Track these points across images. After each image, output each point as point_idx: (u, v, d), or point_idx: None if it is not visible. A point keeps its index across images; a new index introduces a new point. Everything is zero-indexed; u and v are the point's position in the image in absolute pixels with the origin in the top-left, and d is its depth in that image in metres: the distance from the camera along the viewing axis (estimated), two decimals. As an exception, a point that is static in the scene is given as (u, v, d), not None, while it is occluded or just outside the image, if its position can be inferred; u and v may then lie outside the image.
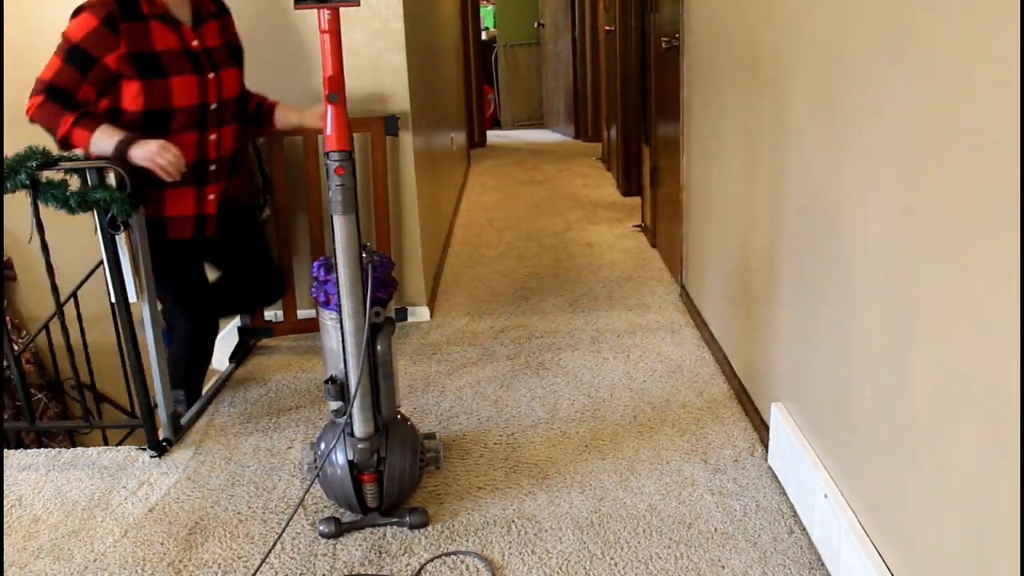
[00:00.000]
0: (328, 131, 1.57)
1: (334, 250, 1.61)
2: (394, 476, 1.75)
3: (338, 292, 1.63)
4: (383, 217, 2.87)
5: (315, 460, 1.78)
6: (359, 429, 1.72)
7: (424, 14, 3.43)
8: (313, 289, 1.75)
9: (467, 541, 1.76)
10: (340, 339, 1.68)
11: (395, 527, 1.80)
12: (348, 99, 2.93)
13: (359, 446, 1.72)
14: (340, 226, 1.58)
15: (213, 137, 2.20)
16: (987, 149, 1.04)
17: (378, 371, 1.69)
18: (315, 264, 1.76)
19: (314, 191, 2.96)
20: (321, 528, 1.77)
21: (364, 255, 1.63)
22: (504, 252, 4.02)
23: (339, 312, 1.65)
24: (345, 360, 1.69)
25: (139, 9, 2.03)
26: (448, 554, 1.72)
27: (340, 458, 1.73)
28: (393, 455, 1.74)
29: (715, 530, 1.77)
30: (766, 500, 1.86)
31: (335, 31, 1.57)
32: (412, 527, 1.79)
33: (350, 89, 2.87)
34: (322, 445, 1.78)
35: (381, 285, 1.69)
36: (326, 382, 1.73)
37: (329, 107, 1.58)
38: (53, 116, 2.03)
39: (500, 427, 2.26)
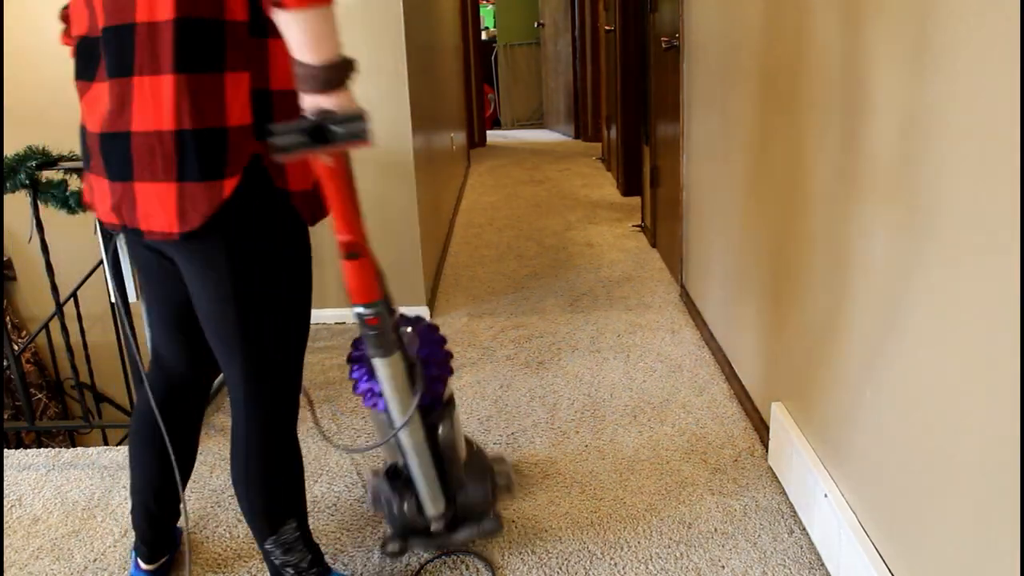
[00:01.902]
0: (351, 286, 1.29)
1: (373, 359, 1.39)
2: (468, 516, 1.62)
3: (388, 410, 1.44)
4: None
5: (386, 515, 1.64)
6: (430, 509, 1.58)
7: (424, 14, 3.43)
8: (363, 397, 1.50)
9: (467, 542, 1.76)
10: (397, 444, 1.50)
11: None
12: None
13: (433, 526, 1.59)
14: (382, 367, 1.36)
15: None
16: (988, 148, 1.04)
17: (443, 456, 1.53)
18: (355, 370, 1.50)
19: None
20: (388, 548, 1.62)
21: (403, 342, 1.40)
22: (504, 252, 4.02)
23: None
24: (406, 463, 1.52)
25: None
26: (448, 554, 1.72)
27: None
28: (464, 496, 1.60)
29: (715, 530, 1.77)
30: (766, 500, 1.86)
31: (342, 174, 1.20)
32: (484, 534, 1.66)
33: (350, 89, 2.88)
34: (390, 504, 1.60)
35: (436, 381, 1.47)
36: (387, 471, 1.60)
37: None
38: None
39: (500, 427, 2.26)
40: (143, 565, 1.63)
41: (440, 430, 1.52)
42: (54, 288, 2.18)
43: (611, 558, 1.69)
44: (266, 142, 1.14)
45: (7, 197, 2.00)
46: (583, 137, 7.64)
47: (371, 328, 1.30)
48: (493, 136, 8.26)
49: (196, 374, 1.51)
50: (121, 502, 1.96)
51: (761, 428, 2.11)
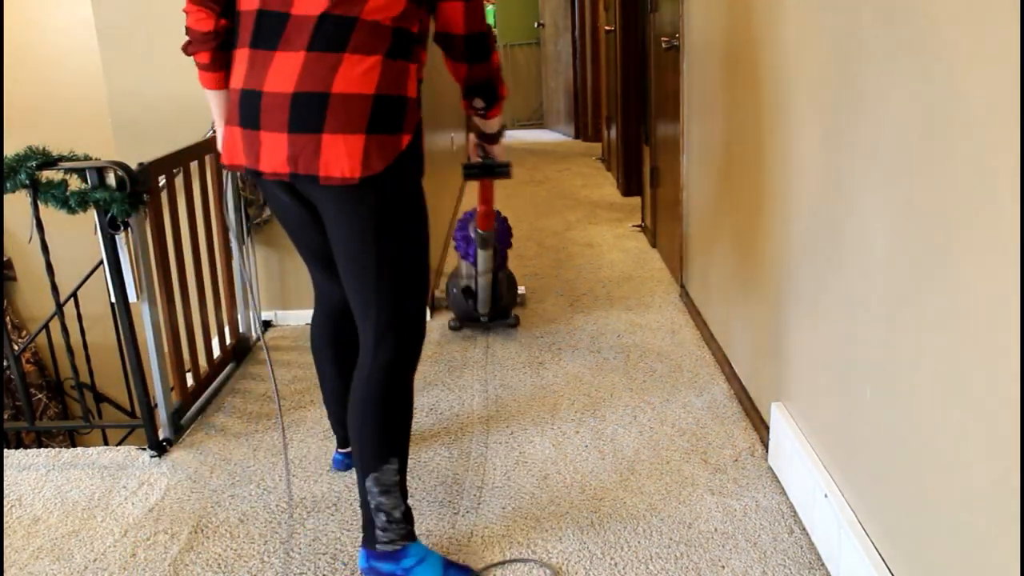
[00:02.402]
0: (482, 224, 2.67)
1: (474, 233, 2.75)
2: (500, 315, 2.98)
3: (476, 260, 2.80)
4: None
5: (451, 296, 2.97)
6: (482, 308, 2.89)
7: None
8: (458, 247, 2.88)
9: (468, 542, 1.76)
10: (475, 276, 2.84)
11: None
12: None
13: (481, 317, 2.94)
14: (482, 255, 2.76)
15: None
16: (987, 148, 1.04)
17: (496, 284, 2.88)
18: (458, 232, 2.88)
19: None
20: (451, 324, 3.01)
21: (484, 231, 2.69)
22: (504, 252, 4.01)
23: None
24: (477, 285, 2.84)
25: None
26: (512, 562, 1.72)
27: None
28: (500, 303, 2.93)
29: (715, 530, 1.77)
30: (766, 500, 1.86)
31: (491, 187, 2.57)
32: (510, 326, 2.99)
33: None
34: (460, 303, 2.94)
35: (503, 245, 2.91)
36: (463, 288, 2.88)
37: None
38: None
39: (500, 427, 2.26)
40: (340, 449, 2.08)
41: (500, 273, 2.89)
42: (54, 288, 2.18)
43: (611, 558, 1.69)
44: (462, 169, 2.27)
45: (7, 197, 2.00)
46: (583, 137, 7.63)
47: (483, 239, 2.70)
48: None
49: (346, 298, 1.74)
50: (121, 502, 1.96)
51: (761, 428, 2.11)
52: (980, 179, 1.06)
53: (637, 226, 4.44)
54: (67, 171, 2.00)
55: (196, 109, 2.86)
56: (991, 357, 1.05)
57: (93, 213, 2.01)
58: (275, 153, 1.48)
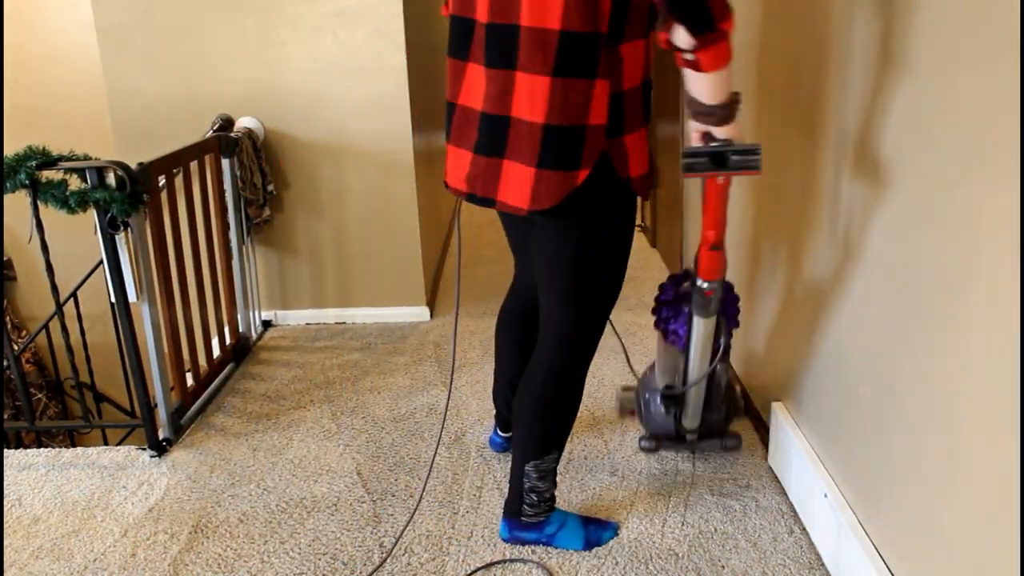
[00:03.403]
0: (705, 267, 1.61)
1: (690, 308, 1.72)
2: (711, 433, 2.01)
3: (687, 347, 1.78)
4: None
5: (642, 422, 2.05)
6: (689, 424, 1.95)
7: (424, 14, 3.42)
8: (668, 330, 1.83)
9: (468, 542, 1.76)
10: (682, 369, 1.85)
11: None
12: (344, 100, 2.93)
13: (688, 436, 1.99)
14: (700, 324, 1.70)
15: None
16: (987, 148, 1.04)
17: (712, 389, 1.90)
18: (664, 311, 1.84)
19: (333, 194, 2.97)
20: (643, 444, 2.02)
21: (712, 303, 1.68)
22: (504, 252, 4.01)
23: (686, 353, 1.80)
24: (683, 381, 1.86)
25: None
26: (504, 562, 1.72)
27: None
28: (713, 418, 1.96)
29: (715, 530, 1.77)
30: (766, 500, 1.86)
31: (725, 190, 1.48)
32: (727, 449, 2.03)
33: (349, 90, 2.88)
34: (650, 411, 2.00)
35: (730, 324, 1.83)
36: (664, 390, 1.94)
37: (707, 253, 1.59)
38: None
39: (500, 427, 2.26)
40: (500, 433, 2.10)
41: (717, 369, 1.87)
42: (54, 288, 2.18)
43: (611, 558, 1.69)
44: (679, 161, 1.47)
45: (7, 197, 1.99)
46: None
47: (705, 298, 1.64)
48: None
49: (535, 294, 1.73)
50: (121, 502, 1.96)
51: (761, 428, 2.11)
52: (981, 177, 1.06)
53: (637, 226, 4.44)
54: (67, 171, 1.99)
55: (196, 109, 2.87)
56: (991, 356, 1.05)
57: (93, 213, 2.01)
58: (458, 168, 1.48)
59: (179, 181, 2.43)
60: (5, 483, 2.07)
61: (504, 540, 1.76)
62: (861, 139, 1.42)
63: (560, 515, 1.75)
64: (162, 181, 2.32)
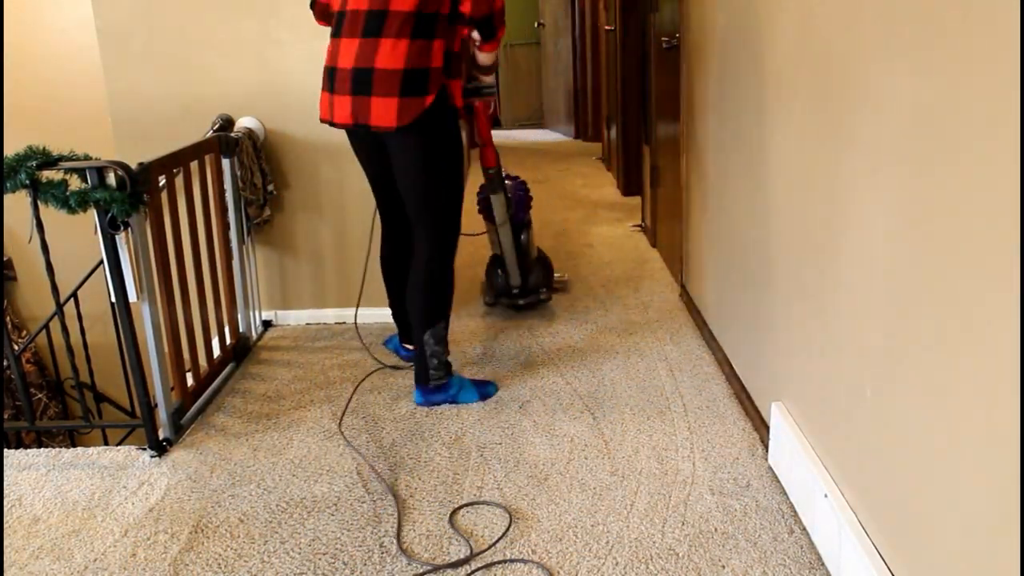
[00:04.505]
0: (488, 159, 2.77)
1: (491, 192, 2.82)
2: (532, 291, 3.08)
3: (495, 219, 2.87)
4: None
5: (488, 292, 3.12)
6: (513, 280, 3.03)
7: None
8: (483, 210, 2.91)
9: (467, 542, 1.76)
10: (498, 239, 2.94)
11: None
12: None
13: (514, 291, 3.06)
14: (496, 199, 2.82)
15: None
16: (988, 147, 1.04)
17: (523, 251, 2.98)
18: (480, 194, 2.89)
19: (333, 194, 2.97)
20: (485, 299, 3.10)
21: (508, 182, 2.90)
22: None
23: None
24: (501, 248, 2.95)
25: None
26: (473, 504, 1.72)
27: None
28: (531, 278, 3.07)
29: (715, 530, 1.77)
30: (766, 500, 1.86)
31: (486, 111, 2.65)
32: (542, 301, 3.11)
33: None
34: (491, 277, 3.10)
35: (521, 209, 2.96)
36: (491, 259, 3.08)
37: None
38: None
39: (500, 426, 2.26)
40: (405, 346, 2.72)
41: (522, 236, 2.98)
42: (54, 288, 2.18)
43: (611, 558, 1.69)
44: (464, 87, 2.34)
45: (7, 197, 1.99)
46: (583, 137, 7.63)
47: (490, 179, 2.79)
48: (493, 136, 8.25)
49: (403, 221, 2.43)
50: (121, 502, 1.96)
51: (761, 428, 2.11)
52: (981, 177, 1.06)
53: (637, 226, 4.44)
54: (67, 171, 1.99)
55: (196, 109, 2.87)
56: (991, 356, 1.05)
57: (93, 213, 2.01)
58: (343, 109, 2.15)
59: (179, 181, 2.43)
60: (5, 483, 2.07)
61: (419, 404, 2.37)
62: (861, 137, 1.43)
63: (458, 379, 2.42)
64: (162, 181, 2.32)
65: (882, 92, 1.33)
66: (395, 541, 1.77)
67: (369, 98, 2.08)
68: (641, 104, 4.43)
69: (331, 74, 2.17)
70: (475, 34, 2.23)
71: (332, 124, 2.21)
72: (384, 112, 2.07)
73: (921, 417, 1.25)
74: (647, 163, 4.20)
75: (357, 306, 2.87)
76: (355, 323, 2.96)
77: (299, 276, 3.10)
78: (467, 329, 3.02)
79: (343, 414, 2.37)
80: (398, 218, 2.46)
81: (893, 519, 1.37)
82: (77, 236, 3.01)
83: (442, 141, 2.18)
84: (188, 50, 2.84)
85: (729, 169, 2.39)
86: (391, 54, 2.05)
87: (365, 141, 2.31)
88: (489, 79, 2.47)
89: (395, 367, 2.69)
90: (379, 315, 3.10)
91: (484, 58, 2.36)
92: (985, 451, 1.07)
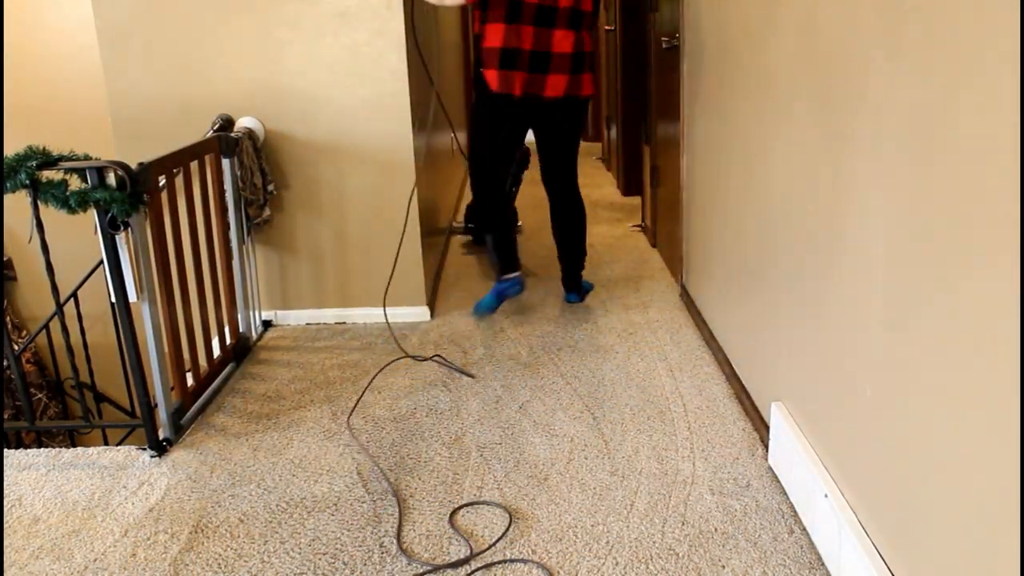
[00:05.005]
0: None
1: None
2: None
3: None
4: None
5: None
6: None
7: (424, 14, 3.42)
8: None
9: (467, 542, 1.76)
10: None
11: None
12: (345, 100, 2.92)
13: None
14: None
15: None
16: (987, 147, 1.04)
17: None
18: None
19: (333, 194, 2.96)
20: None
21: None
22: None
23: None
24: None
25: None
26: (474, 505, 1.72)
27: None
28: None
29: (715, 530, 1.77)
30: (766, 500, 1.86)
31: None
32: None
33: (349, 90, 2.88)
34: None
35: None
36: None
37: None
38: None
39: (500, 426, 2.26)
40: (510, 274, 3.08)
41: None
42: (54, 288, 2.18)
43: (611, 558, 1.69)
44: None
45: (7, 197, 2.00)
46: (583, 137, 7.63)
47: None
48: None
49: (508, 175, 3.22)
50: (121, 502, 1.96)
51: (761, 428, 2.11)
52: (981, 177, 1.06)
53: (637, 226, 4.44)
54: (67, 171, 1.99)
55: (196, 109, 2.87)
56: (992, 356, 1.05)
57: (93, 213, 2.01)
58: (520, 83, 2.78)
59: (179, 181, 2.43)
60: (5, 483, 2.07)
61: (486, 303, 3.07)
62: (861, 137, 1.43)
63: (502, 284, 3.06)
64: (162, 181, 2.32)
65: (882, 92, 1.33)
66: (395, 541, 1.77)
67: (546, 76, 2.79)
68: (641, 104, 4.43)
69: (509, 54, 2.74)
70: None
71: (544, 99, 2.83)
72: (558, 86, 2.82)
73: (921, 417, 1.25)
74: (647, 163, 4.20)
75: (385, 295, 3.03)
76: (385, 319, 3.04)
77: (299, 276, 3.10)
78: (467, 329, 3.02)
79: (353, 409, 2.37)
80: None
81: (893, 519, 1.37)
82: (77, 236, 3.01)
83: (474, 110, 2.96)
84: (188, 50, 2.84)
85: (729, 169, 2.39)
86: (562, 40, 2.77)
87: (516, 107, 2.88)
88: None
89: (416, 357, 2.77)
90: (377, 314, 3.10)
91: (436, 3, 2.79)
92: (985, 451, 1.07)
